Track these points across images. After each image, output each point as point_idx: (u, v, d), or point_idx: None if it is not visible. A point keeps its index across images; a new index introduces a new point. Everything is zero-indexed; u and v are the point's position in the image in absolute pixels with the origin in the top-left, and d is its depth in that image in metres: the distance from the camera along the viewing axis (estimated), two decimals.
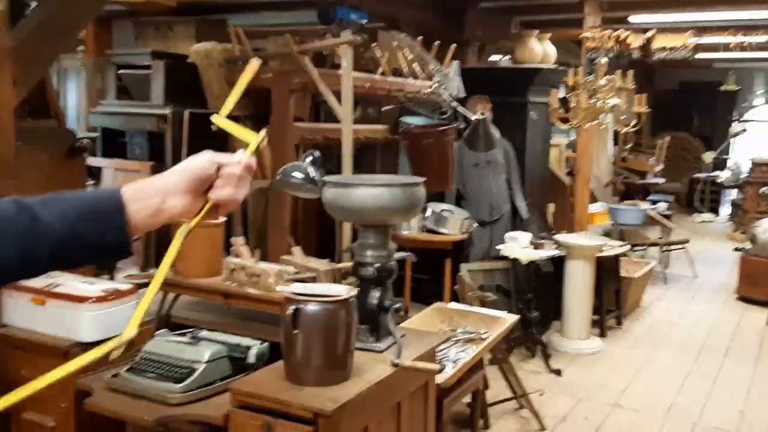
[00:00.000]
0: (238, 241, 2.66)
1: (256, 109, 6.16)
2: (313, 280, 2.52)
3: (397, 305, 2.49)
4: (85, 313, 2.41)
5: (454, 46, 4.15)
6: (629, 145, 11.13)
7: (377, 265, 2.44)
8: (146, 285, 3.08)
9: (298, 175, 2.59)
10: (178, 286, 2.68)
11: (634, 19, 7.09)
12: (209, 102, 6.03)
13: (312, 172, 2.61)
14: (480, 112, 3.99)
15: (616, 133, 10.16)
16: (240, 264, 2.55)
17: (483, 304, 3.84)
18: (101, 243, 0.97)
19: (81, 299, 2.43)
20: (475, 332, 3.43)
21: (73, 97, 6.77)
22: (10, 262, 0.92)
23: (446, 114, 3.82)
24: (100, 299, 2.45)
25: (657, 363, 4.98)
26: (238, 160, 1.05)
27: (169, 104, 5.92)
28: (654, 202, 9.59)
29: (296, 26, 7.68)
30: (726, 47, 5.60)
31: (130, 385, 2.28)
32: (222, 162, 1.05)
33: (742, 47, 5.55)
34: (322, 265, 2.62)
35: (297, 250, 2.69)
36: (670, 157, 13.34)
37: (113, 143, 6.56)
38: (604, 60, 4.82)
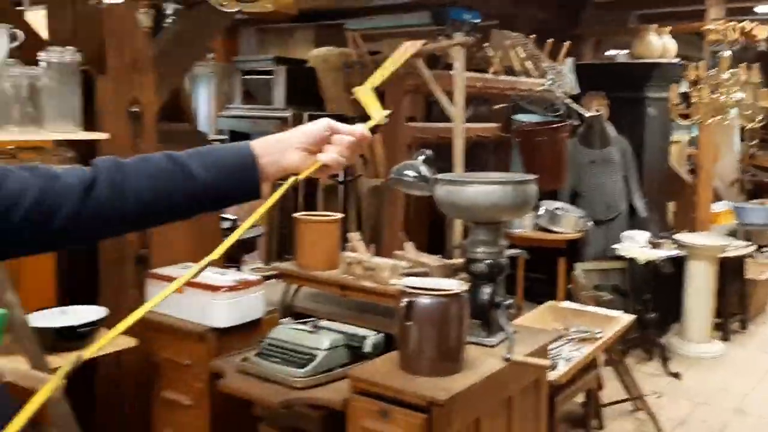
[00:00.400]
0: (355, 237, 2.80)
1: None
2: (425, 274, 2.61)
3: (509, 302, 2.55)
4: (219, 301, 2.62)
5: (568, 43, 4.12)
6: (754, 141, 10.51)
7: (488, 261, 2.51)
8: (271, 277, 3.28)
9: (410, 173, 2.68)
10: (300, 277, 2.85)
11: (761, 9, 6.73)
12: (326, 104, 6.28)
13: (424, 170, 2.70)
14: (595, 108, 3.94)
15: (742, 129, 9.64)
16: (356, 258, 2.68)
17: (598, 303, 3.80)
18: (241, 190, 1.13)
19: (215, 288, 2.64)
20: (589, 331, 3.41)
21: (203, 102, 7.22)
22: (178, 208, 1.11)
23: (559, 111, 3.81)
24: (231, 288, 2.66)
25: None
26: (352, 130, 1.17)
27: (290, 107, 6.20)
28: None
29: (410, 28, 7.82)
30: None
31: (257, 368, 2.47)
32: (337, 128, 1.17)
33: None
34: (433, 260, 2.72)
35: (409, 246, 2.79)
36: None
37: None
38: (727, 53, 4.63)
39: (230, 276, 2.79)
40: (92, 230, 1.08)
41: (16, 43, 2.33)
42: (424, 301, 2.20)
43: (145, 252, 3.06)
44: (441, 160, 3.30)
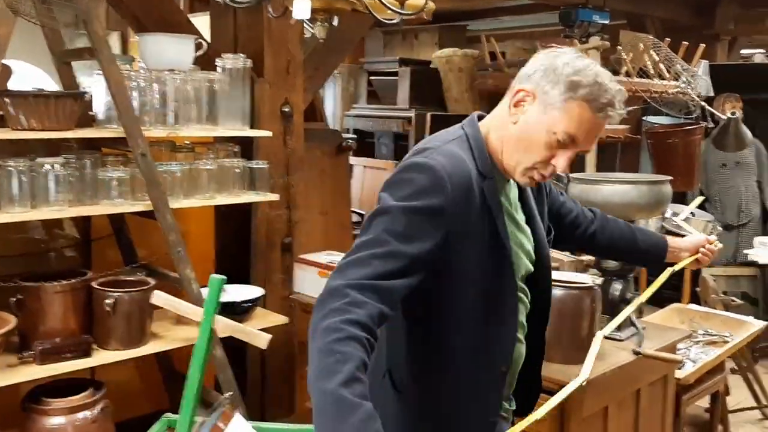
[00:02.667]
0: None
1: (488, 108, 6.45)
2: (556, 269, 2.72)
3: (638, 297, 2.62)
4: None
5: (703, 46, 4.08)
6: None
7: None
8: None
9: None
10: None
11: None
12: (449, 105, 6.43)
13: None
14: (731, 111, 3.87)
15: None
16: None
17: (727, 307, 3.75)
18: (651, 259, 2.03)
19: None
20: (718, 335, 3.40)
21: (329, 101, 7.55)
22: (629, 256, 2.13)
23: (693, 113, 3.79)
24: None
25: None
26: (713, 244, 2.03)
27: (413, 107, 6.38)
28: None
29: (536, 28, 7.84)
30: None
31: None
32: (709, 240, 2.03)
33: None
34: (564, 256, 2.82)
35: None
36: None
37: (362, 143, 7.20)
38: None
39: None
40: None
41: (200, 52, 2.63)
42: (560, 292, 2.31)
43: (289, 240, 3.34)
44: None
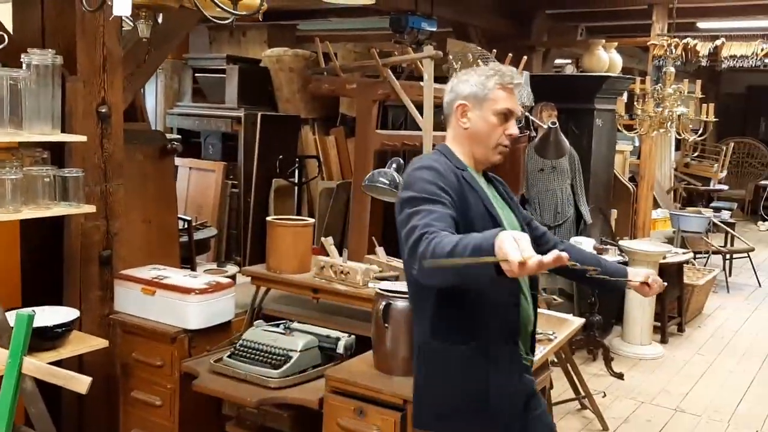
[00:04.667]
0: (328, 241, 2.86)
1: (324, 113, 6.41)
2: (396, 278, 2.70)
3: None
4: (192, 303, 2.64)
5: (525, 58, 4.28)
6: (694, 153, 11.00)
7: None
8: (232, 277, 3.28)
9: (384, 180, 2.77)
10: (272, 281, 2.90)
11: (703, 25, 7.07)
12: (280, 105, 6.29)
13: (397, 177, 2.79)
14: (551, 120, 4.08)
15: (678, 140, 10.08)
16: (329, 262, 2.74)
17: (549, 306, 3.96)
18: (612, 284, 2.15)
19: (187, 290, 2.66)
20: (543, 333, 3.56)
21: (150, 99, 7.11)
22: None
23: (519, 122, 3.95)
24: (203, 291, 2.68)
25: (719, 370, 5.02)
26: (647, 276, 2.12)
27: (242, 106, 6.17)
28: (717, 210, 9.47)
29: (365, 32, 7.88)
30: None
31: (232, 369, 2.51)
32: (652, 273, 2.15)
33: None
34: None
35: (380, 251, 2.87)
36: (735, 163, 13.14)
37: (187, 143, 6.86)
38: (671, 69, 4.88)
39: (202, 279, 2.81)
40: None
41: (1, 46, 2.30)
42: (401, 304, 2.28)
43: (108, 253, 3.05)
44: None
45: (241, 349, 2.56)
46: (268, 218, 2.86)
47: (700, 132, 4.81)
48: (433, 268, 1.59)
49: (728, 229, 8.17)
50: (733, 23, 6.97)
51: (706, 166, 11.89)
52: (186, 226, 4.98)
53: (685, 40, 5.88)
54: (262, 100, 6.24)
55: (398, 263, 2.80)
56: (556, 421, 4.02)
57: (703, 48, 5.90)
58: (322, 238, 2.81)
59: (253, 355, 2.52)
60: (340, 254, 2.82)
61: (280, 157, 5.56)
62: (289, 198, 6.03)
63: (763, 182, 12.34)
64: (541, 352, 3.41)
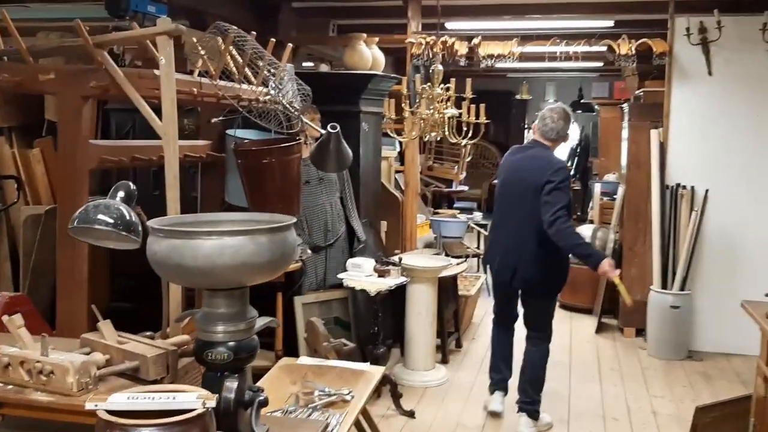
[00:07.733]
0: (14, 321, 1.78)
1: (25, 120, 5.01)
2: (135, 371, 1.74)
3: (262, 397, 1.80)
4: None
5: (290, 46, 3.48)
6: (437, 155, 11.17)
7: (232, 344, 1.74)
8: None
9: (106, 218, 1.79)
10: None
11: (451, 25, 6.88)
12: None
13: (127, 213, 1.83)
14: (330, 125, 3.31)
15: (422, 143, 10.03)
16: (18, 356, 1.69)
17: (339, 354, 3.21)
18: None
19: None
20: (337, 393, 2.81)
21: None
22: None
23: (294, 127, 3.15)
24: None
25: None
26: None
27: None
28: (462, 210, 9.61)
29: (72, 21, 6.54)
30: (552, 56, 5.50)
31: None
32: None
33: (567, 56, 5.47)
34: (146, 347, 1.81)
35: (106, 326, 1.87)
36: (470, 164, 13.71)
37: None
38: (440, 67, 4.42)
39: None
40: None
41: None
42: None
43: None
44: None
45: None
46: None
47: (471, 135, 4.42)
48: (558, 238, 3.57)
49: (481, 230, 8.19)
50: (482, 24, 6.89)
51: (447, 168, 12.14)
52: None
53: (442, 39, 5.55)
54: None
55: (135, 344, 1.83)
56: None
57: (461, 47, 5.62)
58: (99, 323, 1.74)
59: None
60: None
61: None
62: None
63: (495, 181, 12.96)
64: (338, 420, 2.66)
